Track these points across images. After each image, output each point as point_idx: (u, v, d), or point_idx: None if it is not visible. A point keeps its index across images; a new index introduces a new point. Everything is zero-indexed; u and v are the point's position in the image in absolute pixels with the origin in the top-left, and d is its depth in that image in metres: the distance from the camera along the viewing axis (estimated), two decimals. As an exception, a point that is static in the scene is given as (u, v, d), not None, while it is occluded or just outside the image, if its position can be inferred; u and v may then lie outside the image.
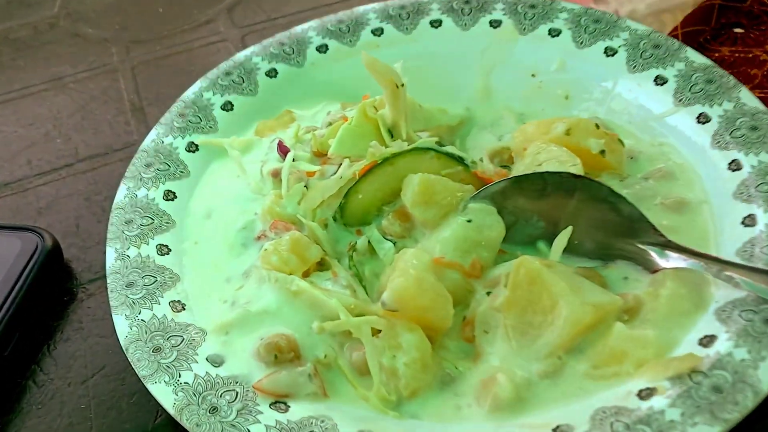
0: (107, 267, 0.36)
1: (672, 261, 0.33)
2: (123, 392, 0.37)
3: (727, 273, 0.32)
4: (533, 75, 0.46)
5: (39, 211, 0.46)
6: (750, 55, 0.66)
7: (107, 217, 0.43)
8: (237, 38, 0.59)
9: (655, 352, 0.31)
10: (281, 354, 0.32)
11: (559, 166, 0.37)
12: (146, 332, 0.33)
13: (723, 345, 0.30)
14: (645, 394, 0.29)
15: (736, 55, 0.68)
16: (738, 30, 0.70)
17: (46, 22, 0.63)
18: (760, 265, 0.33)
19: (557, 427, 0.29)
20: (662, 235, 0.34)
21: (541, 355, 0.32)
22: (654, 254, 0.34)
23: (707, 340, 0.31)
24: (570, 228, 0.35)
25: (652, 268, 0.34)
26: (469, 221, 0.35)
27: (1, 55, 0.60)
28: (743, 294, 0.32)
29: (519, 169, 0.39)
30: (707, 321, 0.32)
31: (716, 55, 0.68)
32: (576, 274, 0.34)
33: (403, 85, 0.39)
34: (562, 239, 0.35)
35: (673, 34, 0.67)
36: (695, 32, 0.67)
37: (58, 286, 0.41)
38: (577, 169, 0.37)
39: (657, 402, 0.29)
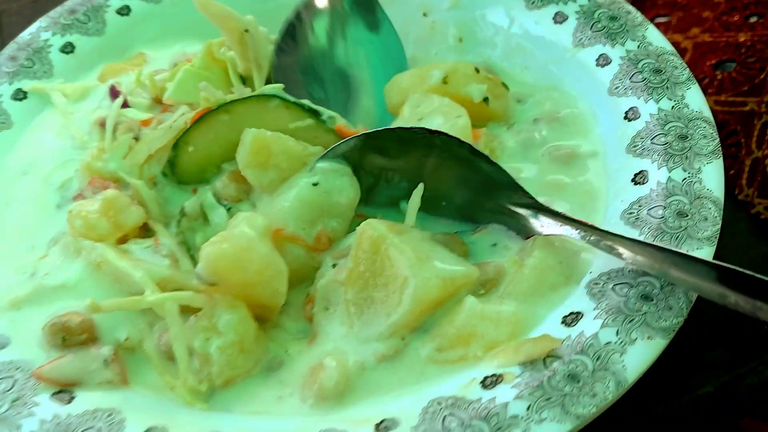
0: None
1: (546, 227, 0.29)
2: None
3: (606, 242, 0.27)
4: (425, 14, 0.41)
5: None
6: None
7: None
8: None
9: (509, 333, 0.26)
10: (70, 336, 0.27)
11: (444, 120, 0.32)
12: None
13: (589, 324, 0.26)
14: (490, 382, 0.25)
15: None
16: None
17: None
18: (646, 230, 0.28)
19: (382, 421, 0.24)
20: (530, 197, 0.29)
21: (383, 335, 0.28)
22: (529, 218, 0.29)
23: (572, 318, 0.26)
24: (421, 186, 0.30)
25: (527, 234, 0.29)
26: (315, 184, 0.30)
27: None
28: (622, 264, 0.27)
29: (397, 124, 0.34)
30: (577, 296, 0.27)
31: None
32: (431, 240, 0.29)
33: (247, 30, 0.33)
34: (414, 200, 0.30)
35: None
36: None
37: None
38: (462, 121, 0.32)
39: (502, 392, 0.24)
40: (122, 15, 0.41)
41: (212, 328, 0.27)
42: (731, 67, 0.49)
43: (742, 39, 0.51)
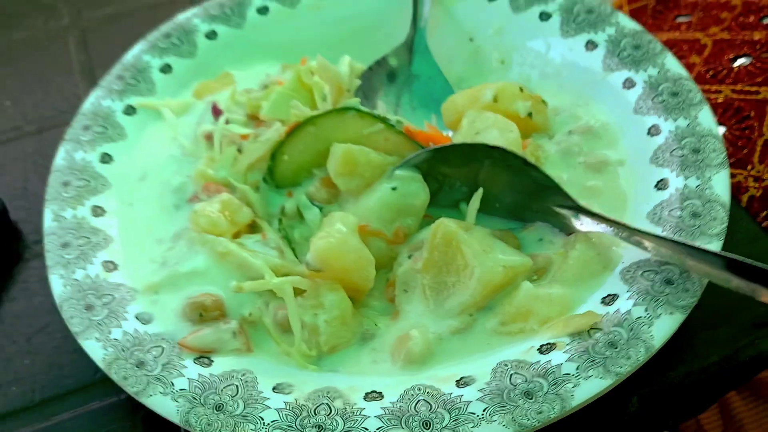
0: (44, 228, 0.37)
1: (585, 225, 0.35)
2: (64, 349, 0.38)
3: (635, 237, 0.33)
4: (471, 39, 0.47)
5: (-16, 175, 0.47)
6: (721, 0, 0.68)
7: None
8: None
9: (559, 311, 0.33)
10: (206, 312, 0.34)
11: (499, 134, 0.38)
12: (79, 291, 0.34)
13: (624, 304, 0.32)
14: (545, 348, 0.31)
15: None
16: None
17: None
18: (667, 227, 0.34)
19: (461, 378, 0.31)
20: (573, 201, 0.35)
21: (455, 312, 0.34)
22: (570, 217, 0.36)
23: (610, 299, 0.33)
24: (480, 190, 0.36)
25: (568, 231, 0.36)
26: (394, 189, 0.37)
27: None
28: (648, 255, 0.33)
29: (457, 138, 0.40)
30: (612, 281, 0.33)
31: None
32: (491, 235, 0.36)
33: (348, 90, 0.40)
34: (474, 202, 0.36)
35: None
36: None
37: (4, 247, 0.43)
38: (514, 135, 0.38)
39: (555, 357, 0.31)
40: (210, 39, 0.47)
41: (319, 305, 0.34)
42: (747, 62, 0.55)
43: (757, 37, 0.57)
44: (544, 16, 0.45)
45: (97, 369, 0.37)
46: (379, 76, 0.45)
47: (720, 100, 0.53)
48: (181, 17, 0.47)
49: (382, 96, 0.45)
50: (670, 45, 0.62)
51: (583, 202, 0.36)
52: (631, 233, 0.34)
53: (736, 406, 0.49)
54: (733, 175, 0.49)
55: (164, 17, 0.54)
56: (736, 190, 0.49)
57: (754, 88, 0.53)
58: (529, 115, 0.41)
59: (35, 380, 0.37)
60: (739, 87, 0.53)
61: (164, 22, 0.49)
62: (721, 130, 0.53)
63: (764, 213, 0.48)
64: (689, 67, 0.58)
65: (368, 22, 0.48)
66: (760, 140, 0.48)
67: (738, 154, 0.50)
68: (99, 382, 0.37)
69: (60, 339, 0.39)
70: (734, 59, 0.56)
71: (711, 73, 0.56)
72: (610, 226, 0.34)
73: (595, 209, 0.36)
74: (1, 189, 0.45)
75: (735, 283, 0.31)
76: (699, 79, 0.57)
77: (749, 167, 0.46)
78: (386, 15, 0.48)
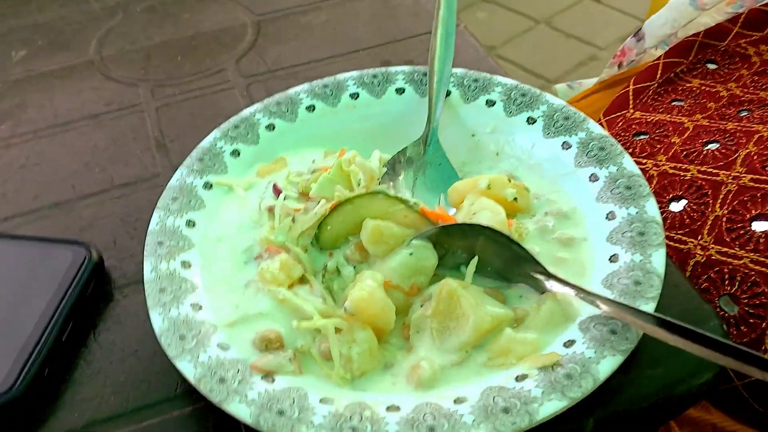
0: (145, 277, 0.48)
1: (554, 287, 0.46)
2: (151, 370, 0.49)
3: (590, 298, 0.44)
4: (473, 135, 0.60)
5: (82, 228, 0.59)
6: (713, 90, 0.81)
7: (138, 235, 0.56)
8: (243, 86, 0.72)
9: (531, 350, 0.43)
10: (270, 344, 0.45)
11: (490, 215, 0.50)
12: (174, 325, 0.45)
13: (579, 347, 0.43)
14: (520, 378, 0.42)
15: (703, 87, 0.82)
16: (711, 66, 0.85)
17: (83, 63, 0.76)
18: (616, 291, 0.46)
19: (457, 398, 0.42)
20: (545, 268, 0.47)
21: (455, 349, 0.45)
22: (543, 281, 0.47)
23: (569, 343, 0.43)
24: (476, 258, 0.47)
25: (541, 291, 0.47)
26: (411, 254, 0.48)
27: (46, 90, 0.73)
28: (599, 312, 0.45)
29: (459, 217, 0.51)
30: (572, 330, 0.44)
31: (687, 85, 0.82)
32: (483, 292, 0.47)
33: (379, 180, 0.53)
34: (471, 267, 0.47)
35: (656, 62, 0.81)
36: (674, 63, 0.82)
37: (101, 289, 0.54)
38: (501, 217, 0.50)
39: (527, 384, 0.41)
40: (269, 131, 0.59)
41: (352, 340, 0.45)
42: (716, 147, 0.67)
43: (729, 127, 0.68)
44: (531, 120, 0.58)
45: (177, 385, 0.48)
46: (400, 163, 0.57)
47: (687, 177, 0.64)
48: (246, 112, 0.60)
49: (403, 178, 0.57)
50: (660, 124, 0.74)
51: (553, 270, 0.48)
52: (587, 295, 0.45)
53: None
54: (684, 243, 0.60)
55: (224, 103, 0.68)
56: (686, 256, 0.60)
57: (715, 171, 0.64)
58: (515, 199, 0.52)
59: (128, 392, 0.48)
60: (704, 168, 0.65)
61: (225, 106, 0.61)
62: (683, 203, 0.65)
63: (705, 276, 0.59)
64: (669, 145, 0.69)
65: (392, 119, 0.60)
66: (712, 215, 0.60)
67: (692, 226, 0.61)
68: (179, 395, 0.47)
69: (147, 362, 0.49)
70: (706, 143, 0.68)
71: (685, 153, 0.67)
72: (573, 289, 0.46)
73: (562, 275, 0.47)
74: (95, 242, 0.56)
75: (663, 335, 0.42)
76: (674, 158, 0.68)
77: (699, 237, 0.57)
78: (407, 115, 0.60)
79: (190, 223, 0.52)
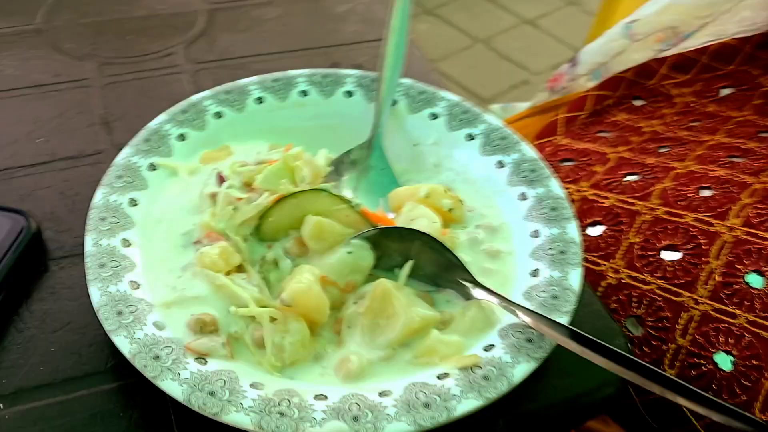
0: (86, 250, 0.49)
1: (479, 295, 0.49)
2: (83, 343, 0.49)
3: (511, 308, 0.48)
4: (415, 145, 0.62)
5: (21, 197, 0.59)
6: (637, 125, 0.86)
7: (77, 209, 0.56)
8: (191, 72, 0.72)
9: (454, 352, 0.46)
10: (205, 327, 0.46)
11: (427, 222, 0.53)
12: (112, 300, 0.46)
13: (497, 351, 0.46)
14: (441, 376, 0.45)
15: (627, 122, 0.87)
16: (637, 102, 0.91)
17: (30, 31, 0.75)
18: (535, 303, 0.49)
19: (382, 391, 0.44)
20: (472, 277, 0.50)
21: (383, 346, 0.47)
22: (469, 288, 0.50)
23: (489, 347, 0.46)
24: (411, 262, 0.50)
25: (467, 297, 0.50)
26: (349, 252, 0.50)
27: (-12, 56, 0.72)
28: (518, 321, 0.48)
29: (398, 221, 0.54)
30: (493, 335, 0.47)
31: (613, 118, 0.87)
32: (415, 294, 0.50)
33: (322, 175, 0.55)
34: (405, 270, 0.50)
35: (587, 93, 0.86)
36: (603, 96, 0.87)
37: (37, 259, 0.54)
38: (437, 225, 0.52)
39: (448, 383, 0.44)
40: (217, 118, 0.60)
41: (286, 330, 0.47)
42: (635, 179, 0.71)
43: (648, 161, 0.73)
44: (470, 137, 0.61)
45: (107, 359, 0.49)
46: (345, 164, 0.59)
47: (606, 205, 0.69)
48: (195, 98, 0.61)
49: (346, 179, 0.59)
50: (585, 153, 0.78)
51: (480, 279, 0.51)
52: (509, 304, 0.48)
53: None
54: (598, 264, 0.65)
55: (171, 87, 0.68)
56: (599, 277, 0.65)
57: (632, 201, 0.69)
58: (450, 210, 0.56)
59: (58, 363, 0.48)
60: (622, 197, 0.70)
61: (172, 90, 0.62)
62: (600, 228, 0.69)
63: (615, 297, 0.64)
64: (592, 173, 0.74)
65: (339, 121, 0.62)
66: (626, 242, 0.64)
67: (607, 249, 0.65)
68: (109, 369, 0.48)
69: (79, 334, 0.50)
70: (627, 175, 0.73)
71: (606, 182, 0.72)
72: (496, 298, 0.49)
73: (488, 285, 0.51)
74: (34, 212, 0.56)
75: (573, 347, 0.46)
76: (596, 185, 0.72)
77: (612, 261, 0.62)
78: (353, 118, 0.62)
79: (133, 202, 0.53)
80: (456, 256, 0.50)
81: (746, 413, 0.39)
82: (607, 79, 0.90)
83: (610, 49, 0.89)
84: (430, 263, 0.51)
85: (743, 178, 0.72)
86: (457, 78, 2.21)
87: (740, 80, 0.87)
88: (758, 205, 0.68)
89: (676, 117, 0.84)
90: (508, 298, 0.48)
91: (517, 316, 0.47)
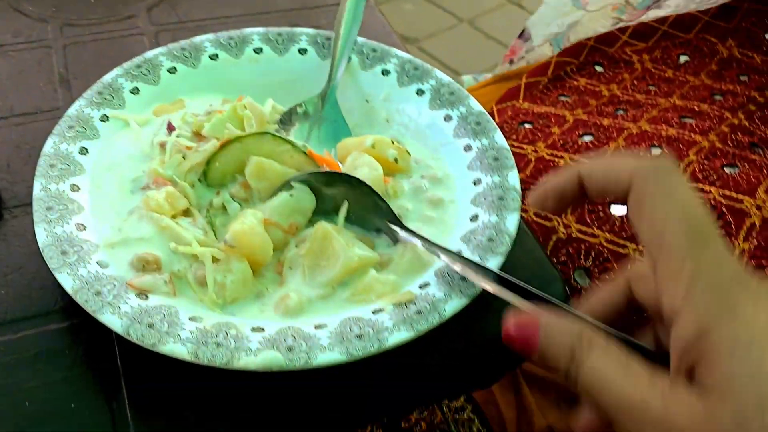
0: (34, 194, 0.50)
1: (404, 236, 0.50)
2: (33, 286, 0.51)
3: (433, 248, 0.48)
4: (367, 100, 0.64)
5: (-23, 151, 0.60)
6: (596, 89, 0.88)
7: (32, 161, 0.57)
8: (152, 34, 0.74)
9: (390, 290, 0.48)
10: (148, 265, 0.48)
11: (369, 171, 0.54)
12: (57, 241, 0.47)
13: (432, 289, 0.47)
14: (376, 311, 0.46)
15: (588, 86, 0.89)
16: (598, 68, 0.93)
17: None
18: (471, 246, 0.50)
19: (318, 325, 0.46)
20: (399, 221, 0.50)
21: (323, 285, 0.49)
22: (398, 231, 0.50)
23: (424, 285, 0.48)
24: (346, 204, 0.52)
25: (395, 240, 0.51)
26: (291, 195, 0.52)
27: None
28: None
29: (343, 169, 0.55)
30: (428, 275, 0.48)
31: (574, 83, 0.89)
32: (355, 237, 0.51)
33: (269, 123, 0.56)
34: (342, 211, 0.51)
35: (549, 60, 0.88)
36: (565, 62, 0.88)
37: (-11, 208, 0.56)
38: (378, 173, 0.54)
39: (381, 317, 0.46)
40: (171, 73, 0.62)
41: (228, 270, 0.48)
42: (590, 139, 0.73)
43: (605, 123, 0.75)
44: (420, 92, 0.62)
45: (56, 301, 0.50)
46: (297, 114, 0.61)
47: (561, 164, 0.71)
48: (150, 53, 0.62)
49: (297, 129, 0.60)
50: (544, 116, 0.80)
51: (421, 225, 0.53)
52: (430, 245, 0.48)
53: (526, 394, 0.66)
54: (550, 220, 0.67)
55: (132, 48, 0.69)
56: (550, 232, 0.66)
57: (585, 159, 0.71)
58: (396, 160, 0.57)
59: (8, 305, 0.50)
60: (576, 156, 0.71)
61: (132, 51, 0.63)
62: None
63: (564, 251, 0.65)
64: (549, 134, 0.75)
65: (294, 77, 0.64)
66: None
67: None
68: (57, 310, 0.49)
69: (30, 278, 0.51)
70: (582, 135, 0.75)
71: (562, 142, 0.73)
72: (419, 240, 0.49)
73: (429, 231, 0.52)
74: (-12, 164, 0.57)
75: (495, 289, 0.44)
76: (552, 146, 0.74)
77: (563, 216, 0.64)
78: (306, 75, 0.64)
79: (83, 151, 0.54)
80: (383, 200, 0.51)
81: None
82: (570, 46, 0.91)
83: (563, 21, 0.91)
84: (361, 207, 0.52)
85: (692, 137, 0.73)
86: (441, 57, 2.22)
87: (698, 48, 0.88)
88: (704, 162, 0.70)
89: (635, 81, 0.86)
90: (435, 242, 0.49)
91: (439, 257, 0.48)
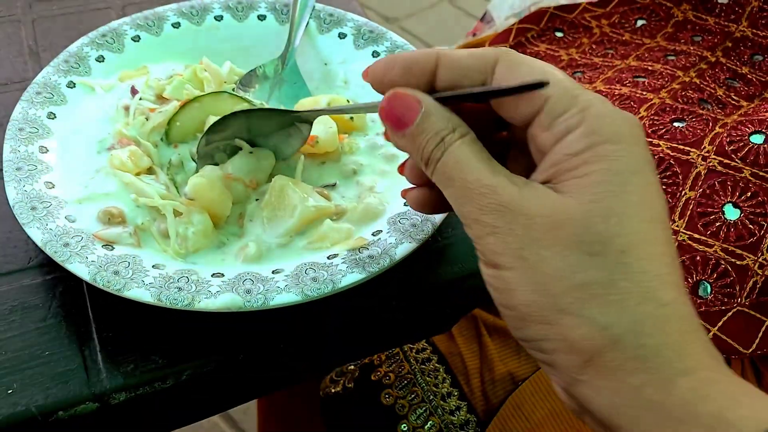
0: (3, 156, 0.52)
1: (306, 119, 0.52)
2: (8, 245, 0.53)
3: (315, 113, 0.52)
4: (326, 64, 0.66)
5: (-51, 121, 0.62)
6: (556, 54, 0.91)
7: (3, 130, 0.60)
8: (119, 7, 0.76)
9: (345, 237, 0.51)
10: (113, 218, 0.50)
11: (323, 128, 0.56)
12: (27, 198, 0.50)
13: (384, 236, 0.50)
14: (331, 257, 0.49)
15: (548, 51, 0.92)
16: (558, 34, 0.96)
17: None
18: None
19: (275, 270, 0.49)
20: (300, 115, 0.52)
21: (281, 234, 0.51)
22: (302, 127, 0.53)
23: (377, 233, 0.51)
24: (302, 157, 0.54)
25: (304, 137, 0.53)
26: (251, 152, 0.55)
27: None
28: (406, 210, 0.52)
29: None
30: (381, 222, 0.51)
31: (535, 48, 0.92)
32: (312, 189, 0.54)
33: (227, 83, 0.59)
34: (299, 166, 0.54)
35: (511, 27, 0.91)
36: (526, 29, 0.91)
37: (-38, 171, 0.58)
38: (332, 129, 0.56)
39: (336, 261, 0.49)
40: (135, 41, 0.64)
41: (189, 222, 0.51)
42: (580, 75, 0.76)
43: (596, 60, 0.78)
44: (375, 54, 0.65)
45: (30, 258, 0.53)
46: (257, 76, 0.63)
47: None
48: (114, 23, 0.64)
49: (257, 91, 0.63)
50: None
51: (377, 179, 0.55)
52: (355, 108, 0.54)
53: (487, 343, 0.69)
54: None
55: (100, 22, 0.71)
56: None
57: None
58: (351, 118, 0.60)
59: (-18, 264, 0.53)
60: None
61: (99, 24, 0.66)
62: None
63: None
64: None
65: (252, 42, 0.66)
66: None
67: None
68: (32, 267, 0.52)
69: (4, 238, 0.53)
70: (574, 74, 0.78)
71: None
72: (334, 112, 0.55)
73: (384, 184, 0.55)
74: (-39, 133, 0.59)
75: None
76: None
77: None
78: (266, 40, 0.66)
79: (51, 115, 0.57)
80: (287, 110, 0.55)
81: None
82: (531, 13, 0.94)
83: (524, 1, 0.93)
84: (275, 125, 0.53)
85: (644, 95, 0.76)
86: (422, 36, 2.24)
87: (654, 12, 0.91)
88: (654, 117, 0.73)
89: (593, 45, 0.89)
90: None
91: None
